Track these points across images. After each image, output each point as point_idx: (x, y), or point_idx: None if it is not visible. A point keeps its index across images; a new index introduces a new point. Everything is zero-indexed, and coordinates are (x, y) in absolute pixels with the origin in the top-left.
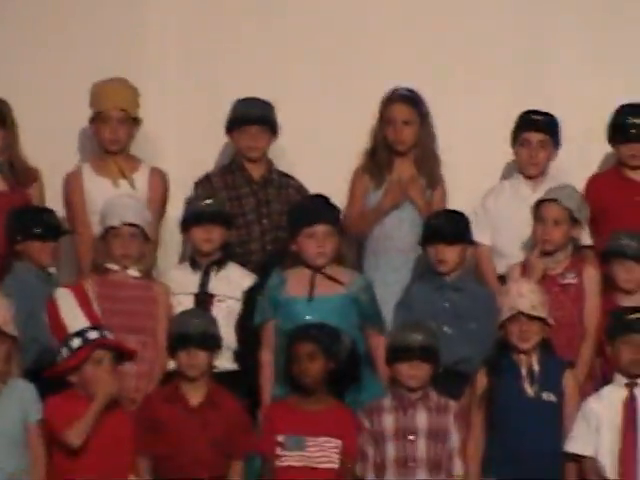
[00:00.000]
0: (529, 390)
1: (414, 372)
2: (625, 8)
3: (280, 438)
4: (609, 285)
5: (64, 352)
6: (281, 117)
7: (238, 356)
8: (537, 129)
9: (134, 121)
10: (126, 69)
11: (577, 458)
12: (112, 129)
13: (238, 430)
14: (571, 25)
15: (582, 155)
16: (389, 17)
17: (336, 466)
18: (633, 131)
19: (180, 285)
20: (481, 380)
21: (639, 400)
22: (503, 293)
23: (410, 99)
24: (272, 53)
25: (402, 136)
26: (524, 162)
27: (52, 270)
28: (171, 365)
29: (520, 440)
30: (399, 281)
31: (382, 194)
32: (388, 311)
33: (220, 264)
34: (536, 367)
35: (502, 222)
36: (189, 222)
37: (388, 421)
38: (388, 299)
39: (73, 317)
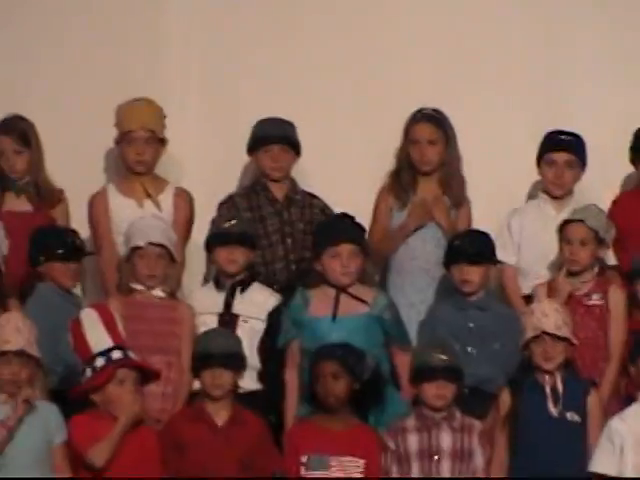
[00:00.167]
0: (553, 410)
1: (439, 392)
2: None
3: (304, 458)
4: (634, 305)
5: (88, 372)
6: (304, 137)
7: (262, 376)
8: (564, 149)
9: (160, 142)
10: (149, 90)
11: (601, 478)
12: (139, 150)
13: (262, 450)
14: (592, 42)
15: (604, 174)
16: (411, 36)
17: None
18: None
19: (205, 305)
20: (505, 400)
21: None
22: (527, 313)
23: (435, 119)
24: (294, 73)
25: (427, 156)
26: (550, 182)
27: (75, 291)
28: (196, 385)
29: (544, 460)
30: (424, 301)
31: (406, 214)
32: (413, 331)
33: (244, 284)
34: (560, 387)
35: (527, 242)
36: (213, 243)
37: (412, 441)
38: (413, 319)
39: (97, 337)
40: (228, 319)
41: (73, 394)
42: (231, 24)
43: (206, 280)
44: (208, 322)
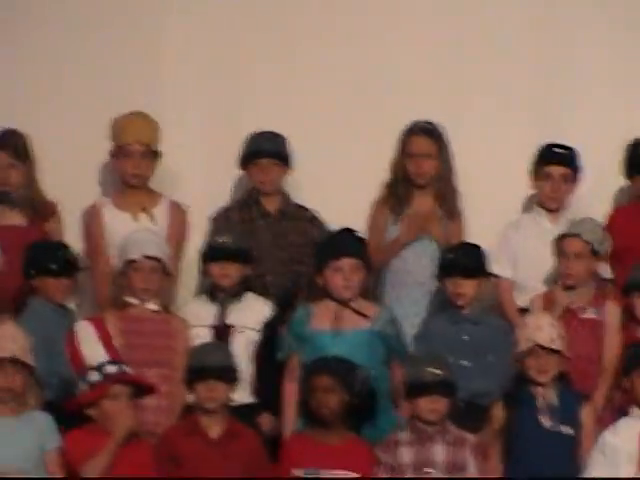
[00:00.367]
0: (546, 423)
1: (433, 406)
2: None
3: (297, 472)
4: (630, 319)
5: (82, 386)
6: (300, 150)
7: (256, 389)
8: (560, 163)
9: (155, 155)
10: (145, 104)
11: None
12: (134, 163)
13: (257, 463)
14: (589, 57)
15: (599, 187)
16: (406, 50)
17: None
18: None
19: (198, 317)
20: (498, 413)
21: None
22: (521, 325)
23: (431, 132)
24: (290, 87)
25: (423, 169)
26: (546, 196)
27: (69, 305)
28: (190, 398)
29: (538, 473)
30: (418, 314)
31: (401, 227)
32: (408, 344)
33: (238, 295)
34: (553, 400)
35: (523, 255)
36: (207, 258)
37: (406, 455)
38: (407, 332)
39: (92, 350)
40: (223, 330)
41: (68, 407)
42: (228, 39)
43: (199, 292)
44: (202, 334)
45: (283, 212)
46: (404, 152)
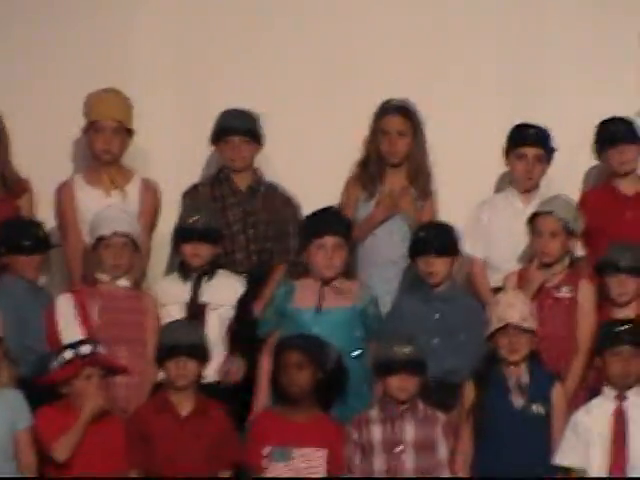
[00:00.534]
0: (517, 402)
1: (402, 385)
2: (613, 22)
3: (266, 449)
4: (604, 298)
5: (55, 363)
6: (272, 128)
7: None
8: (533, 143)
9: (128, 132)
10: (117, 80)
11: (566, 471)
12: (106, 139)
13: (226, 440)
14: (560, 40)
15: (570, 166)
16: (380, 29)
17: (323, 476)
18: (619, 135)
19: (170, 296)
20: (469, 392)
21: (628, 413)
22: (492, 304)
23: (404, 110)
24: (263, 64)
25: (396, 147)
26: (520, 176)
27: (40, 282)
28: (161, 376)
29: (508, 452)
30: (390, 292)
31: (374, 206)
32: None
33: (210, 274)
34: (525, 379)
35: (496, 235)
36: (178, 239)
37: (376, 432)
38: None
39: (68, 327)
40: (196, 308)
41: (39, 383)
42: (200, 15)
43: (170, 270)
44: (173, 313)
45: (254, 189)
46: (377, 130)
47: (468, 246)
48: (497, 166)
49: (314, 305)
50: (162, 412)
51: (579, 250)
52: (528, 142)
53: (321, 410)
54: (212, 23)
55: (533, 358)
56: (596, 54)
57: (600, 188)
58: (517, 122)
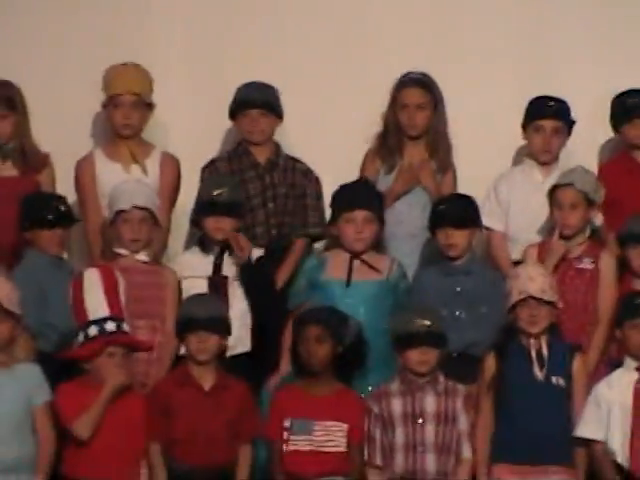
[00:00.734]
0: (538, 374)
1: (423, 358)
2: None
3: (287, 422)
4: (625, 270)
5: (80, 337)
6: (290, 102)
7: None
8: (551, 116)
9: (147, 106)
10: (135, 54)
11: (587, 442)
12: (125, 113)
13: (246, 414)
14: (576, 10)
15: (589, 138)
16: (395, 3)
17: (343, 450)
18: (634, 110)
19: (193, 269)
20: (489, 364)
21: None
22: (512, 277)
23: (424, 83)
24: (279, 37)
25: (415, 120)
26: (538, 149)
27: (63, 256)
28: (181, 350)
29: (529, 424)
30: (410, 265)
31: (393, 178)
32: None
33: (231, 246)
34: (545, 351)
35: (515, 208)
36: (200, 212)
37: (396, 405)
38: None
39: (95, 302)
40: (218, 281)
41: (62, 357)
42: None
43: (189, 244)
44: (197, 285)
45: (273, 163)
46: (397, 103)
47: (487, 219)
48: (515, 139)
49: (344, 277)
50: (184, 386)
51: (599, 221)
52: (546, 114)
53: (341, 383)
54: None
55: (553, 330)
56: (612, 25)
57: (617, 160)
58: (534, 95)
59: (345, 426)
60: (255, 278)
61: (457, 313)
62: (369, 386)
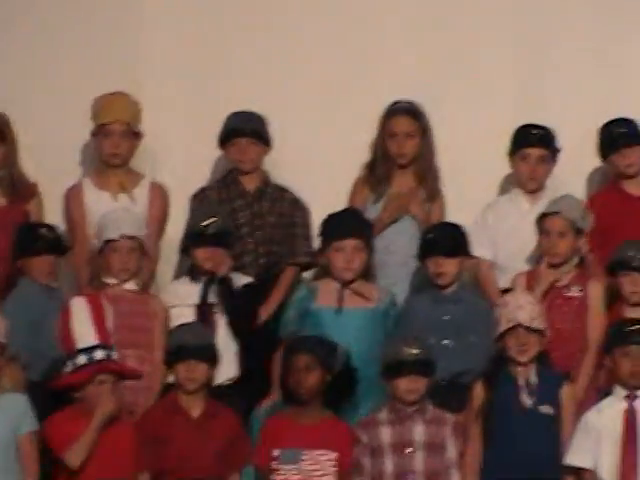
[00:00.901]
0: (527, 402)
1: (412, 386)
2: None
3: (276, 452)
4: (616, 297)
5: (69, 366)
6: (280, 130)
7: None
8: (536, 144)
9: (136, 135)
10: (125, 83)
11: (577, 471)
12: (114, 143)
13: (236, 443)
14: (569, 39)
15: (576, 166)
16: (387, 30)
17: (332, 479)
18: (621, 139)
19: (181, 297)
20: (478, 392)
21: (639, 412)
22: (501, 305)
23: (412, 112)
24: (270, 66)
25: (404, 149)
26: (524, 177)
27: (55, 285)
28: (170, 378)
29: (518, 452)
30: (400, 293)
31: (382, 207)
32: None
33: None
34: (534, 379)
35: (502, 237)
36: (190, 243)
37: (385, 434)
38: None
39: (83, 331)
40: (206, 310)
41: (51, 387)
42: (208, 18)
43: (179, 272)
44: (184, 314)
45: (262, 192)
46: (385, 132)
47: (476, 249)
48: (504, 168)
49: (336, 305)
50: (173, 414)
51: (585, 248)
52: (531, 142)
53: (330, 412)
54: (220, 25)
55: (542, 358)
56: (601, 54)
57: (607, 190)
58: (522, 123)
59: (334, 455)
60: (238, 307)
61: (445, 341)
62: (361, 416)
